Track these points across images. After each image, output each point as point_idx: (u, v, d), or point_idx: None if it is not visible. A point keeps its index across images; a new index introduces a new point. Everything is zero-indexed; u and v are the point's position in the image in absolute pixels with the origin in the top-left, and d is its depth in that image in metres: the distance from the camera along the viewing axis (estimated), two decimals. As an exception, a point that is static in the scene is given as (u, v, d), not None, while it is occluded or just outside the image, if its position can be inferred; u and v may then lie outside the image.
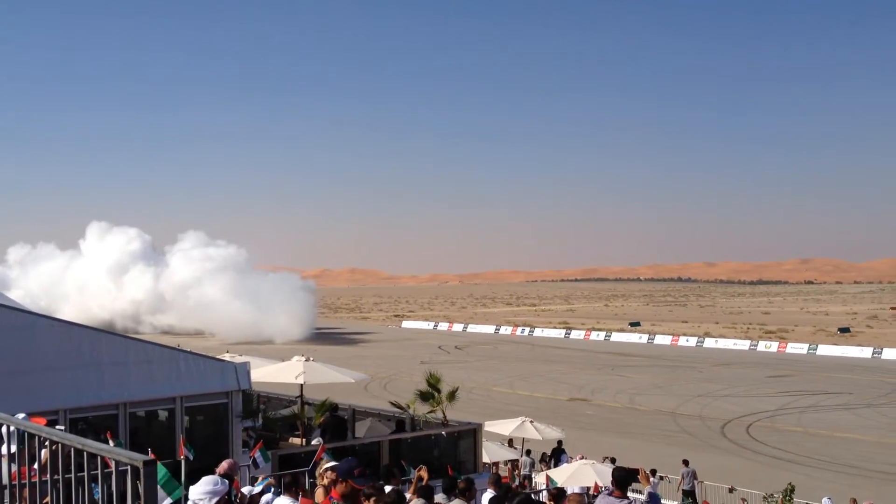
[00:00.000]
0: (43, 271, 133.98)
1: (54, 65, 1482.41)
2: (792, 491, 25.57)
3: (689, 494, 29.20)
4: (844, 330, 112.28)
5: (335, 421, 20.96)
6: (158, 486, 9.38)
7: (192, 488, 7.02)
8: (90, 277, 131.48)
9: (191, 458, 13.12)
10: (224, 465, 10.46)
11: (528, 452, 30.90)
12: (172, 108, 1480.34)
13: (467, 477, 12.40)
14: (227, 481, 7.10)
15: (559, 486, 21.14)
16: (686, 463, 30.34)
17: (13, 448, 4.85)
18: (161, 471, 9.84)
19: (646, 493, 9.94)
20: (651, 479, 28.86)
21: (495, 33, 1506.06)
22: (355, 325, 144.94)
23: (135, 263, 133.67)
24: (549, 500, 15.07)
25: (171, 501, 9.91)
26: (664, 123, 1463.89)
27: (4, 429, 4.98)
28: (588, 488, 20.95)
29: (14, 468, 4.91)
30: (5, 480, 5.12)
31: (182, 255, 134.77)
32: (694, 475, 29.75)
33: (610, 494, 9.10)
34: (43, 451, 4.56)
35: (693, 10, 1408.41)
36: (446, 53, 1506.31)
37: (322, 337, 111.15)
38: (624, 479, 8.83)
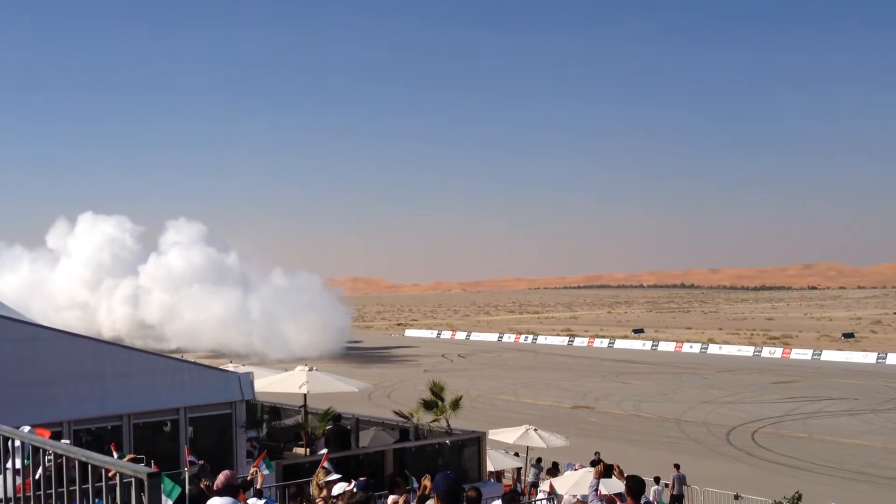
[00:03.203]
0: (7, 283, 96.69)
1: (66, 72, 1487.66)
2: (799, 499, 25.50)
3: (677, 500, 29.15)
4: (849, 335, 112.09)
5: (339, 430, 20.95)
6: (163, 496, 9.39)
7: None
8: (62, 294, 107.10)
9: (197, 462, 13.11)
10: (221, 478, 10.42)
11: (539, 461, 30.81)
12: (172, 114, 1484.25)
13: (475, 486, 12.39)
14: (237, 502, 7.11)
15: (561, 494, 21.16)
16: (677, 467, 30.30)
17: (17, 462, 4.86)
18: (167, 483, 9.87)
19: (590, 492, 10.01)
20: (655, 486, 28.76)
21: (493, 41, 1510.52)
22: (373, 337, 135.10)
23: (112, 273, 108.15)
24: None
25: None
26: (665, 129, 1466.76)
27: (10, 443, 5.00)
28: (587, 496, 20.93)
29: (19, 481, 4.92)
30: (10, 493, 5.13)
31: (158, 270, 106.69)
32: (683, 480, 29.74)
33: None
34: (47, 463, 4.58)
35: (690, 15, 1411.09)
36: (446, 62, 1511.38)
37: (362, 353, 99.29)
38: (638, 488, 8.85)
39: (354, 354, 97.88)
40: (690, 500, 30.06)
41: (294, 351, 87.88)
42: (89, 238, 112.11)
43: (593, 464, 28.50)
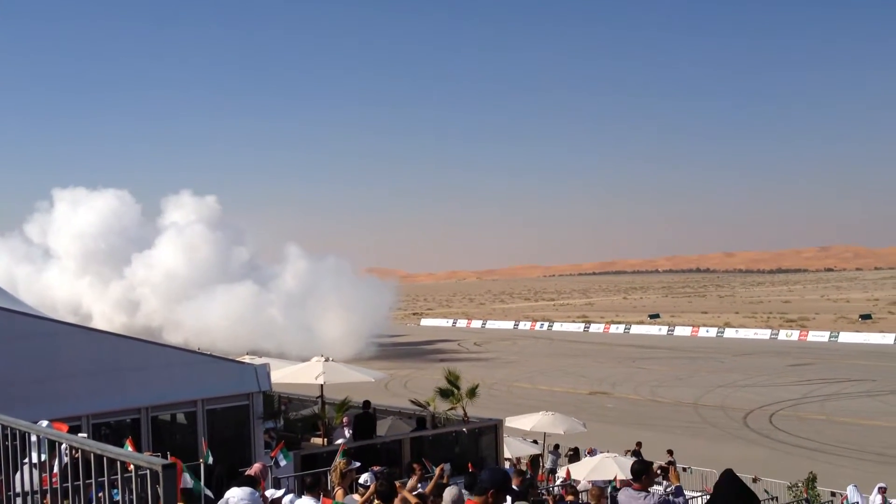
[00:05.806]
0: None
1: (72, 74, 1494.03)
2: (813, 480, 25.42)
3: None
4: (866, 317, 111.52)
5: (365, 416, 20.93)
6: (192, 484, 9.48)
7: (232, 490, 7.05)
8: (59, 298, 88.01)
9: (209, 462, 13.14)
10: (257, 466, 10.59)
11: (557, 447, 30.86)
12: (183, 113, 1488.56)
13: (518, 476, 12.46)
14: (259, 495, 7.15)
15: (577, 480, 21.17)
16: (670, 453, 30.25)
17: (35, 457, 4.89)
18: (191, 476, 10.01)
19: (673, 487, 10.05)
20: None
21: (500, 32, 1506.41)
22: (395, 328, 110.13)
23: (108, 265, 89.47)
24: (567, 496, 15.14)
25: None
26: (678, 115, 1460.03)
27: (28, 437, 5.03)
28: (608, 481, 20.96)
29: (36, 475, 4.96)
30: (27, 487, 5.17)
31: (155, 269, 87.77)
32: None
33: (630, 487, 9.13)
34: (64, 457, 4.61)
35: (700, 4, 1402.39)
36: (455, 53, 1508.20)
37: (408, 348, 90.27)
38: (643, 471, 8.85)
39: (385, 349, 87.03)
40: (705, 482, 29.96)
41: (338, 352, 63.50)
42: (80, 219, 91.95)
43: (634, 454, 28.50)
